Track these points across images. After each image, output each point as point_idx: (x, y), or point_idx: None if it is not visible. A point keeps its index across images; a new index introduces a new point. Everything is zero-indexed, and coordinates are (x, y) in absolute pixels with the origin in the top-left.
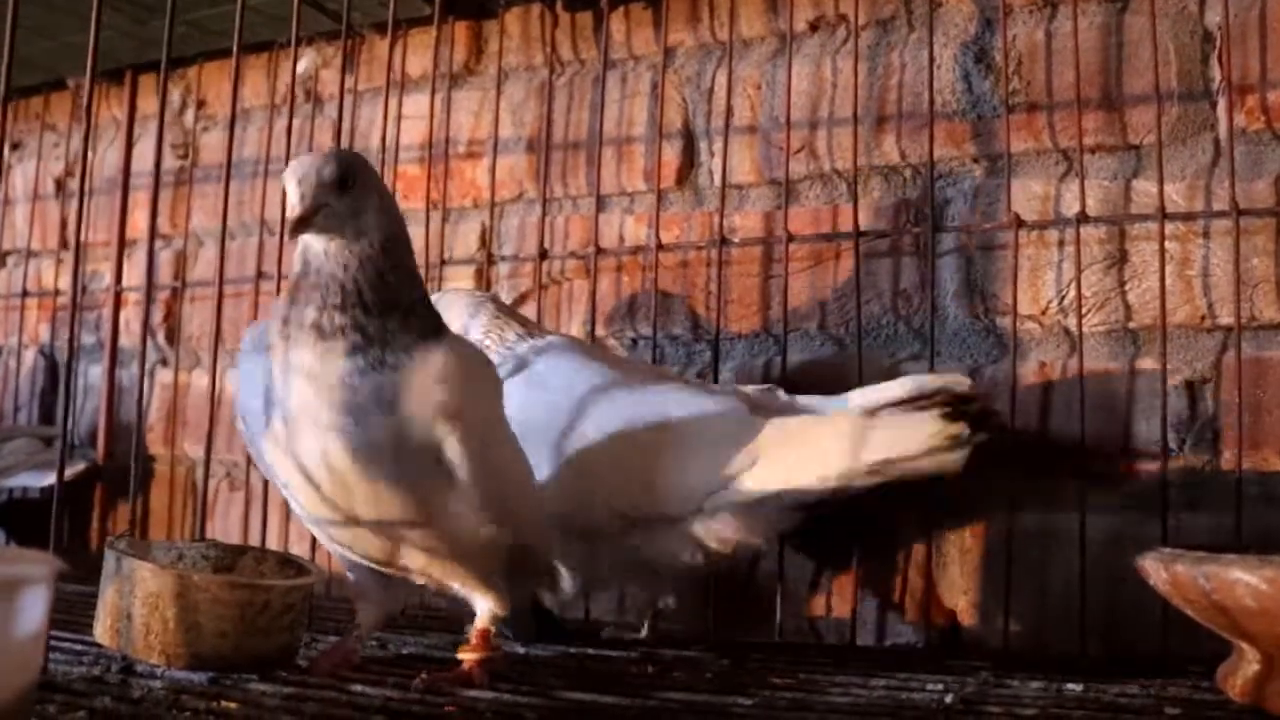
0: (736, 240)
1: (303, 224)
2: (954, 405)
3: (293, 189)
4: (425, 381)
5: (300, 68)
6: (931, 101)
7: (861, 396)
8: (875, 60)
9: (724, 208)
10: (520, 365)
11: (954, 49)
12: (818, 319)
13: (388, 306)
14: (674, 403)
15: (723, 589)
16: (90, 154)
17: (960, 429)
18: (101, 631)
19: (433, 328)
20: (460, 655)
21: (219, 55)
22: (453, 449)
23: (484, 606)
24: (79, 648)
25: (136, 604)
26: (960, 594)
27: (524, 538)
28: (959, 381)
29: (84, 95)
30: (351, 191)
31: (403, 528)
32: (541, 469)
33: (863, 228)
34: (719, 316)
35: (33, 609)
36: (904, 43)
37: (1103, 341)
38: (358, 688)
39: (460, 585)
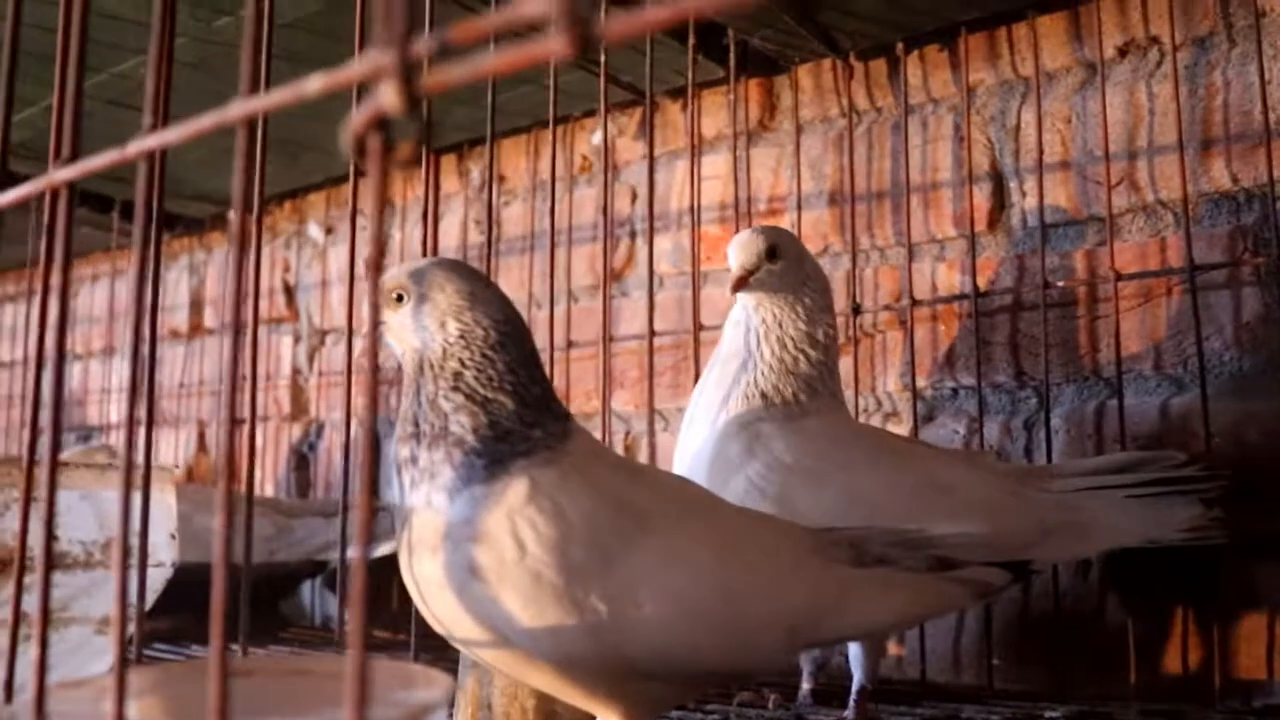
0: (1060, 283)
1: (364, 350)
2: None
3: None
4: (483, 546)
5: (596, 138)
6: (1266, 118)
7: None
8: (1195, 81)
9: (1044, 249)
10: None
11: None
12: (1152, 359)
13: (438, 436)
14: None
15: (1068, 643)
16: (401, 233)
17: None
18: None
19: (517, 454)
20: None
21: (514, 133)
22: (517, 627)
23: None
24: None
25: (496, 694)
26: None
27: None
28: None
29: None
30: (404, 305)
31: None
32: None
33: (1196, 260)
34: (1046, 362)
35: None
36: (1226, 60)
37: None
38: None
39: None
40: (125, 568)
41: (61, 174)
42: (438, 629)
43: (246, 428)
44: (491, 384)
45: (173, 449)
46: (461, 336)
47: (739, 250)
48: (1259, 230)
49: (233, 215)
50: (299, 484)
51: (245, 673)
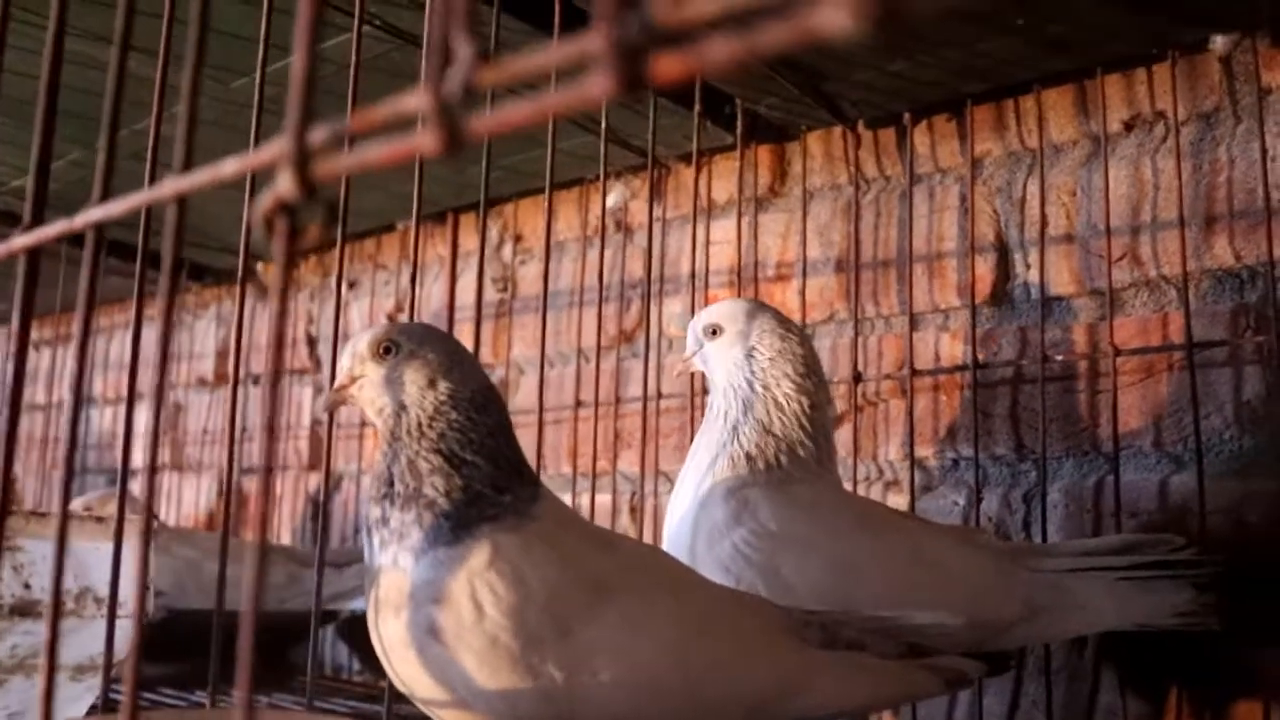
0: (1059, 356)
1: (333, 399)
2: None
3: (340, 362)
4: (445, 611)
5: (611, 201)
6: (1267, 197)
7: None
8: (1199, 157)
9: (1045, 322)
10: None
11: None
12: (1152, 436)
13: (411, 497)
14: None
15: None
16: (420, 289)
17: None
18: None
19: (484, 519)
20: None
21: (532, 193)
22: (474, 689)
23: None
24: None
25: None
26: None
27: None
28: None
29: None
30: (390, 358)
31: None
32: None
33: (1197, 336)
34: (1044, 435)
35: None
36: (1230, 136)
37: None
38: None
39: None
40: (56, 619)
41: (20, 240)
42: (400, 688)
43: (245, 478)
44: (472, 446)
45: (194, 495)
46: (451, 396)
47: (687, 335)
48: (1261, 308)
49: (161, 285)
50: (315, 533)
51: None
